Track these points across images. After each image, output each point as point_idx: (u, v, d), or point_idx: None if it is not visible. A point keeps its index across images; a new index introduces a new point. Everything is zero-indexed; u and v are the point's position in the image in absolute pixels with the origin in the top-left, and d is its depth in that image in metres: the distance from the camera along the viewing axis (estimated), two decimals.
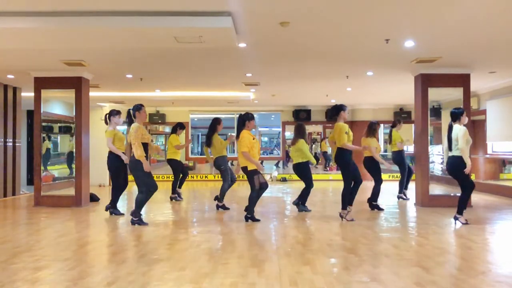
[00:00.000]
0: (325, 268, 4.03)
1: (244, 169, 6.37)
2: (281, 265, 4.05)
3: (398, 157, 8.63)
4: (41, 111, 8.32)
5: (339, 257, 4.38)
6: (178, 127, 9.02)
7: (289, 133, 14.59)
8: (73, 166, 8.35)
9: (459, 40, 6.13)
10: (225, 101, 12.47)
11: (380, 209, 7.41)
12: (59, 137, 9.97)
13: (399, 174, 8.86)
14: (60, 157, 9.69)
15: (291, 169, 8.43)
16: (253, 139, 6.39)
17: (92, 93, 9.05)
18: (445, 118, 8.11)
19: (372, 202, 7.46)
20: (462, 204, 5.99)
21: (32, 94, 8.40)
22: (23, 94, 10.28)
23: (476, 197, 8.94)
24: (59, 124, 9.34)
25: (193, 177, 14.20)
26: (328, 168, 16.05)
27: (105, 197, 9.40)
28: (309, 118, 14.29)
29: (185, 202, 8.97)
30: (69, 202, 8.11)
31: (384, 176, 7.70)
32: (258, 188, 6.36)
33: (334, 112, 6.54)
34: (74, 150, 8.35)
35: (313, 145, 17.46)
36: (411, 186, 8.65)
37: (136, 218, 6.11)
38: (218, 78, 9.14)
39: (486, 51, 6.82)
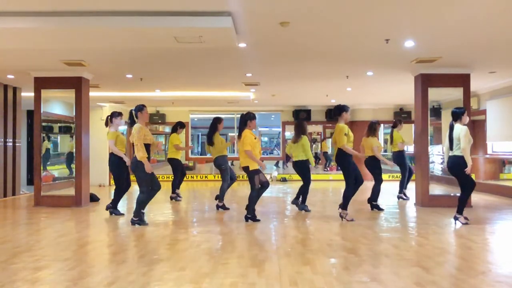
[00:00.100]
0: (325, 268, 4.03)
1: (246, 169, 6.37)
2: (281, 265, 4.05)
3: (399, 157, 8.63)
4: (41, 111, 8.32)
5: (339, 257, 4.38)
6: (178, 126, 9.05)
7: (289, 133, 14.59)
8: (73, 166, 8.36)
9: (459, 40, 6.12)
10: (225, 101, 12.47)
11: (380, 209, 7.41)
12: (59, 137, 9.98)
13: (399, 174, 8.87)
14: (60, 157, 9.69)
15: (291, 169, 8.43)
16: (255, 138, 6.40)
17: (92, 93, 9.05)
18: (445, 118, 8.12)
19: (372, 202, 7.47)
20: (462, 203, 6.00)
21: (32, 94, 8.40)
22: (23, 94, 10.28)
23: (476, 197, 8.94)
24: (59, 124, 9.35)
25: (193, 177, 14.21)
26: (328, 168, 16.06)
27: (105, 197, 9.41)
28: (309, 118, 14.28)
29: (185, 202, 8.97)
30: (69, 202, 8.11)
31: (384, 176, 7.70)
32: (258, 188, 6.37)
33: (336, 112, 6.54)
34: (73, 150, 8.35)
35: (313, 145, 17.45)
36: (412, 186, 8.65)
37: (136, 218, 6.11)
38: (218, 78, 9.14)
39: (486, 51, 6.82)
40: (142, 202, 6.10)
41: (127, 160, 6.93)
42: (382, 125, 13.53)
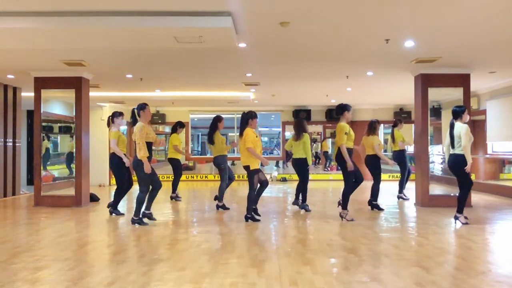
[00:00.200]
0: (325, 268, 4.03)
1: (246, 168, 6.37)
2: (281, 265, 4.05)
3: (400, 156, 8.64)
4: (41, 111, 8.32)
5: (339, 257, 4.38)
6: (178, 125, 9.07)
7: (289, 133, 14.58)
8: (72, 166, 8.36)
9: (459, 40, 6.12)
10: (225, 101, 12.47)
11: (380, 209, 7.41)
12: (59, 137, 9.98)
13: (399, 174, 8.87)
14: (60, 157, 9.69)
15: (291, 169, 8.43)
16: (256, 137, 6.40)
17: (92, 93, 9.05)
18: (445, 118, 8.12)
19: (372, 201, 7.47)
20: (461, 203, 6.00)
21: (32, 94, 8.40)
22: (23, 94, 10.28)
23: (476, 197, 8.94)
24: (59, 124, 9.34)
25: (193, 177, 14.20)
26: (328, 168, 16.05)
27: (105, 197, 9.41)
28: (309, 118, 14.27)
29: (185, 202, 8.97)
30: (69, 202, 8.11)
31: (384, 176, 7.71)
32: (257, 187, 6.37)
33: (338, 111, 6.54)
34: (73, 150, 8.35)
35: (314, 145, 17.45)
36: (411, 186, 8.65)
37: (136, 218, 6.12)
38: (218, 78, 9.14)
39: (486, 51, 6.82)
40: (142, 202, 6.10)
41: (127, 160, 6.93)
42: (382, 125, 13.54)
